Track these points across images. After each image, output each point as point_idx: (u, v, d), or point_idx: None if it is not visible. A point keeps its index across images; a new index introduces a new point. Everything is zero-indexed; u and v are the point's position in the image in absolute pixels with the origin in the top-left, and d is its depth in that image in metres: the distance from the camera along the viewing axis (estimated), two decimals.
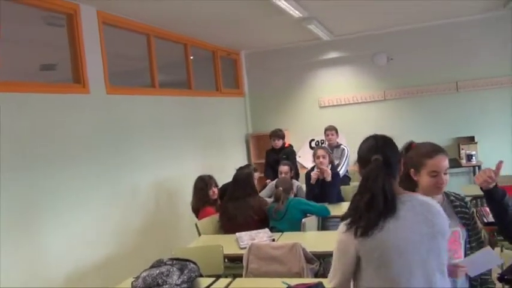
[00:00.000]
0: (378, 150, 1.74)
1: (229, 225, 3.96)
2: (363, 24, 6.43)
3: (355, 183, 4.80)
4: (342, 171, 5.40)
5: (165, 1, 4.27)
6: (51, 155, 3.61)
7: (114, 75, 4.47)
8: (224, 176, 4.80)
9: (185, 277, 2.59)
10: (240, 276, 3.14)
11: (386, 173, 1.69)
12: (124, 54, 5.45)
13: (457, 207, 2.13)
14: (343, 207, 4.36)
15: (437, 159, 2.04)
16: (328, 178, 4.59)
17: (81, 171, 3.89)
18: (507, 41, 6.33)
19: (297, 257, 3.02)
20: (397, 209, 1.66)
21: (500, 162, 2.10)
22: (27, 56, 4.21)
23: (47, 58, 4.56)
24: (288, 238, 3.49)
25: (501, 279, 2.78)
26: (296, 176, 5.40)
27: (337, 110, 7.23)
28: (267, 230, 3.73)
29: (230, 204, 4.03)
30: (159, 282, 2.52)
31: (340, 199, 4.68)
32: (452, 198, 2.17)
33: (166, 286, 2.50)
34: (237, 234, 3.65)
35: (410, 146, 2.19)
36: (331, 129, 5.87)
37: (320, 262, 3.20)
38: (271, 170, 5.87)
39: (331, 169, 4.70)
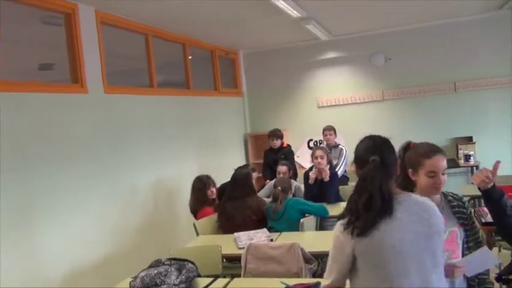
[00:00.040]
0: (375, 151, 1.74)
1: (227, 225, 3.96)
2: (361, 24, 6.43)
3: (353, 183, 4.77)
4: (340, 171, 5.40)
5: (163, 1, 4.26)
6: (49, 154, 3.60)
7: (112, 75, 4.47)
8: (222, 176, 4.80)
9: (183, 277, 2.59)
10: (238, 276, 3.14)
11: (384, 173, 1.70)
12: (122, 54, 5.44)
13: (454, 207, 2.14)
14: (342, 207, 4.32)
15: (435, 159, 2.04)
16: (326, 178, 4.60)
17: (80, 171, 3.89)
18: (505, 41, 6.35)
19: (295, 257, 3.02)
20: (394, 210, 1.67)
21: (498, 162, 2.10)
22: (25, 56, 4.20)
23: (45, 58, 4.54)
24: (286, 238, 3.49)
25: (499, 279, 2.78)
26: (294, 176, 5.41)
27: (335, 110, 7.23)
28: (265, 230, 3.73)
29: (228, 204, 4.03)
30: (157, 282, 2.51)
31: (338, 199, 4.68)
32: (450, 198, 2.17)
33: (165, 286, 2.50)
34: (235, 234, 3.64)
35: (408, 146, 2.19)
36: (329, 129, 5.87)
37: (318, 262, 3.20)
38: (269, 170, 5.87)
39: (329, 169, 4.70)
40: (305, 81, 7.42)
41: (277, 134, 6.05)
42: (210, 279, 2.78)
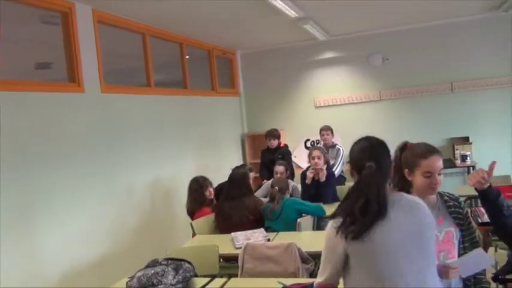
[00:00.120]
0: (371, 156, 1.75)
1: (224, 225, 3.95)
2: (358, 24, 6.44)
3: (350, 183, 4.80)
4: (337, 171, 5.41)
5: (160, 0, 4.25)
6: (46, 153, 3.59)
7: (110, 74, 4.46)
8: (220, 176, 4.79)
9: (180, 277, 2.59)
10: (235, 276, 3.13)
11: (379, 177, 1.73)
12: (119, 53, 5.43)
13: (450, 207, 2.14)
14: None
15: (432, 159, 2.05)
16: (323, 179, 4.60)
17: (77, 170, 3.88)
18: (502, 41, 6.37)
19: (292, 257, 3.02)
20: (388, 211, 1.69)
21: (493, 163, 2.11)
22: (23, 55, 4.19)
23: (43, 57, 4.54)
24: (283, 238, 3.49)
25: (495, 279, 2.79)
26: (291, 176, 5.41)
27: (332, 110, 7.24)
28: (262, 229, 3.72)
29: (226, 204, 4.03)
30: (154, 282, 2.51)
31: (335, 199, 4.68)
32: (446, 198, 2.17)
33: (161, 286, 2.49)
34: (232, 234, 3.64)
35: (405, 146, 2.20)
36: (326, 129, 5.88)
37: (315, 262, 3.19)
38: (266, 170, 5.88)
39: (326, 169, 4.71)
40: (302, 81, 7.43)
41: (274, 134, 6.05)
42: (207, 279, 2.78)
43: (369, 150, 1.79)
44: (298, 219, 3.87)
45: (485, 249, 3.45)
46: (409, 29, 6.73)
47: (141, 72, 5.17)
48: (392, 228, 1.67)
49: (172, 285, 2.52)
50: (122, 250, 4.31)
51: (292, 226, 3.84)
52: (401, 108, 6.96)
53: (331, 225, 1.77)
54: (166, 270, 2.58)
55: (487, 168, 2.09)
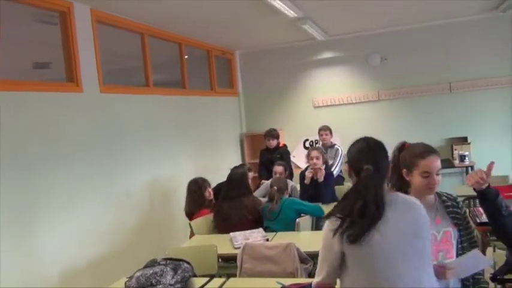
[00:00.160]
0: (368, 158, 1.76)
1: (223, 225, 3.95)
2: (357, 24, 6.45)
3: (349, 183, 4.80)
4: (336, 171, 5.41)
5: (159, 0, 4.25)
6: (45, 153, 3.59)
7: (108, 74, 4.45)
8: (218, 176, 4.79)
9: (179, 277, 2.59)
10: (234, 276, 3.13)
11: (377, 179, 1.74)
12: (118, 53, 5.43)
13: (448, 207, 2.14)
14: None
15: (430, 159, 2.05)
16: (321, 179, 4.60)
17: (75, 170, 3.87)
18: (500, 41, 6.39)
19: (291, 257, 3.02)
20: (385, 211, 1.71)
21: (492, 163, 2.11)
22: (20, 54, 4.18)
23: (41, 56, 4.53)
24: (282, 238, 3.49)
25: (494, 279, 2.79)
26: (290, 176, 5.41)
27: (331, 110, 7.24)
28: (261, 229, 3.73)
29: (224, 203, 4.03)
30: (153, 282, 2.51)
31: (334, 199, 4.67)
32: (444, 198, 2.18)
33: (160, 286, 2.49)
34: (231, 234, 3.64)
35: (403, 146, 2.20)
36: (325, 129, 5.88)
37: (314, 262, 3.19)
38: (265, 170, 5.87)
39: (325, 169, 4.71)
40: (301, 81, 7.43)
41: (273, 134, 6.05)
42: (206, 279, 2.77)
43: (366, 151, 1.80)
44: (297, 219, 3.87)
45: (484, 249, 3.47)
46: (407, 29, 6.74)
47: (139, 72, 5.16)
48: (389, 228, 1.69)
49: (171, 285, 2.52)
50: (120, 250, 4.30)
51: (291, 226, 3.84)
52: (399, 108, 6.97)
53: (327, 224, 1.78)
54: (165, 270, 2.58)
55: (485, 169, 2.10)
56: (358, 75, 7.17)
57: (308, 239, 3.62)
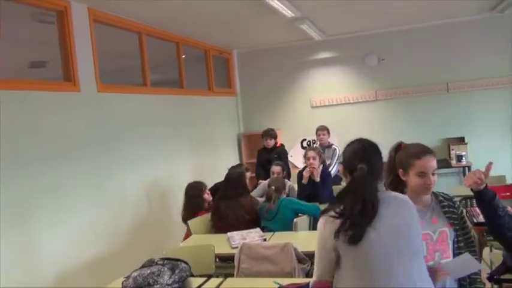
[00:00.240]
0: (362, 158, 1.81)
1: (220, 225, 3.95)
2: (354, 24, 6.45)
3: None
4: (333, 171, 5.42)
5: (157, 0, 4.24)
6: (43, 153, 3.58)
7: (106, 74, 4.44)
8: (216, 176, 4.79)
9: (176, 277, 2.58)
10: (232, 276, 3.13)
11: (371, 179, 1.78)
12: (115, 52, 5.41)
13: (445, 207, 2.15)
14: None
15: (425, 159, 2.06)
16: (317, 178, 4.60)
17: (73, 170, 3.87)
18: (498, 42, 6.41)
19: (289, 257, 3.02)
20: (379, 209, 1.75)
21: (490, 164, 2.12)
22: (17, 53, 4.16)
23: (37, 55, 4.51)
24: (279, 238, 3.49)
25: (490, 279, 2.81)
26: (288, 175, 5.41)
27: (328, 110, 7.25)
28: (258, 229, 3.73)
29: (222, 203, 4.02)
30: (150, 282, 2.50)
31: (332, 199, 4.69)
32: (441, 198, 2.18)
33: (157, 286, 2.49)
34: (228, 233, 3.64)
35: (399, 146, 2.21)
36: (322, 129, 5.89)
37: (311, 262, 3.19)
38: (262, 170, 5.87)
39: (322, 169, 4.71)
40: (299, 81, 7.43)
41: (270, 133, 6.05)
42: (203, 279, 2.77)
43: (361, 152, 1.84)
44: (295, 219, 3.87)
45: (481, 249, 3.47)
46: (404, 30, 6.75)
47: (137, 72, 5.15)
48: (383, 226, 1.72)
49: (168, 285, 2.52)
50: (117, 250, 4.29)
51: (288, 226, 3.84)
52: (397, 109, 6.98)
53: (322, 221, 1.81)
54: (162, 270, 2.58)
55: (483, 169, 2.10)
56: (355, 75, 7.17)
57: (305, 239, 3.62)
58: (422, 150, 2.09)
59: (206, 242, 3.48)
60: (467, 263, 2.03)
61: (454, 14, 6.28)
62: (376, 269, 1.70)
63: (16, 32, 3.86)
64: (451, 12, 6.16)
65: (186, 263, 2.75)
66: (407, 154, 2.12)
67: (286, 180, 4.80)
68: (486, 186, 2.08)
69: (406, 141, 2.24)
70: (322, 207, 4.09)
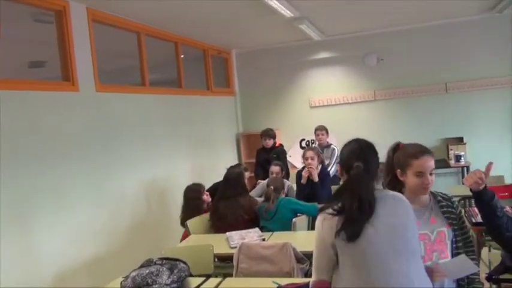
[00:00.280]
0: (359, 156, 1.84)
1: (219, 225, 3.95)
2: (354, 24, 6.45)
3: None
4: (332, 171, 5.42)
5: (156, 0, 4.24)
6: (42, 152, 3.58)
7: (104, 74, 4.43)
8: (215, 175, 4.78)
9: (175, 277, 2.58)
10: (230, 275, 3.13)
11: (367, 177, 1.81)
12: (114, 52, 5.41)
13: (443, 207, 2.15)
14: None
15: (423, 159, 2.06)
16: (315, 178, 4.61)
17: (72, 170, 3.87)
18: (496, 42, 6.42)
19: (287, 257, 3.02)
20: (376, 208, 1.77)
21: (490, 164, 2.12)
22: (16, 53, 4.16)
23: (36, 55, 4.50)
24: (278, 238, 3.49)
25: (489, 278, 2.81)
26: (287, 175, 5.41)
27: (327, 110, 7.25)
28: (257, 229, 3.73)
29: (221, 203, 4.02)
30: (149, 281, 2.50)
31: None
32: (439, 198, 2.18)
33: (156, 286, 2.49)
34: (227, 233, 3.64)
35: (397, 146, 2.22)
36: (321, 129, 5.90)
37: (310, 262, 3.19)
38: (261, 170, 5.87)
39: (321, 169, 4.71)
40: (297, 81, 7.43)
41: (269, 133, 6.05)
42: (202, 278, 2.77)
43: (357, 151, 1.87)
44: (293, 219, 3.87)
45: (479, 249, 3.48)
46: (404, 30, 6.76)
47: (136, 72, 5.15)
48: (380, 224, 1.74)
49: (167, 285, 2.51)
50: (116, 250, 4.29)
51: (287, 226, 3.84)
52: (396, 109, 6.98)
53: (320, 219, 1.83)
54: (161, 269, 2.57)
55: (482, 169, 2.11)
56: (354, 75, 7.18)
57: (304, 238, 3.62)
58: (420, 150, 2.10)
59: (205, 242, 3.48)
60: (464, 264, 2.03)
61: (452, 14, 6.28)
62: (374, 266, 1.71)
63: (15, 31, 3.86)
64: (450, 12, 6.16)
65: (184, 262, 2.75)
66: (405, 154, 2.12)
67: (285, 180, 4.80)
68: (485, 186, 2.09)
69: (405, 141, 2.25)
70: None
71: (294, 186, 4.84)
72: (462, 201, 4.36)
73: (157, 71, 5.72)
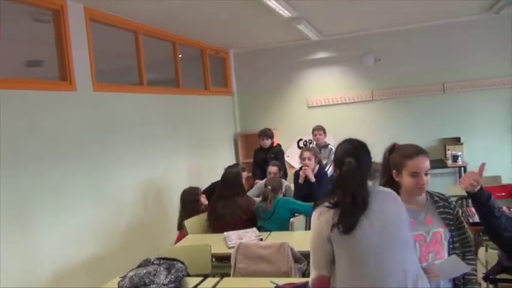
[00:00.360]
0: (351, 153, 1.88)
1: (217, 224, 3.95)
2: (351, 24, 6.46)
3: None
4: (329, 171, 5.41)
5: (154, 0, 4.23)
6: (41, 152, 3.58)
7: (102, 73, 4.42)
8: (212, 175, 4.78)
9: (172, 277, 2.58)
10: (228, 275, 3.13)
11: (359, 173, 1.85)
12: (112, 51, 5.40)
13: (440, 207, 2.15)
14: None
15: (418, 160, 2.08)
16: (312, 179, 4.61)
17: (72, 170, 3.87)
18: (494, 43, 6.43)
19: (285, 257, 3.02)
20: (369, 203, 1.82)
21: (483, 165, 2.14)
22: (13, 53, 4.14)
23: (33, 54, 4.49)
24: (276, 238, 3.49)
25: (486, 278, 2.82)
26: (285, 175, 5.41)
27: (325, 110, 7.26)
28: (254, 229, 3.73)
29: (218, 203, 4.02)
30: (146, 281, 2.50)
31: None
32: (436, 198, 2.19)
33: (154, 286, 2.48)
34: (225, 233, 3.64)
35: (393, 147, 2.23)
36: (319, 129, 5.90)
37: (308, 262, 3.19)
38: (259, 170, 5.87)
39: (318, 169, 4.71)
40: (295, 81, 7.44)
41: (267, 133, 6.05)
42: (200, 278, 2.77)
43: (350, 150, 1.92)
44: (291, 219, 3.87)
45: (476, 249, 3.49)
46: (401, 30, 6.77)
47: (133, 71, 5.14)
48: (374, 218, 1.78)
49: (164, 284, 2.51)
50: (113, 250, 4.28)
51: (285, 226, 3.85)
52: (393, 109, 6.99)
53: (316, 213, 1.87)
54: (158, 269, 2.57)
55: (476, 170, 2.12)
56: (352, 76, 7.18)
57: (302, 238, 3.62)
58: (414, 151, 2.11)
59: (202, 242, 3.48)
60: (456, 264, 2.04)
61: (450, 14, 6.30)
62: (370, 258, 1.75)
63: (12, 31, 3.84)
64: (447, 12, 6.17)
65: (182, 262, 2.75)
66: (400, 155, 2.14)
67: (283, 180, 4.80)
68: (481, 187, 2.10)
69: (402, 141, 2.26)
70: None
71: (292, 186, 4.84)
72: (459, 201, 4.37)
73: (155, 70, 5.72)
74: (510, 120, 6.50)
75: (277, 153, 5.94)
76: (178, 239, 3.97)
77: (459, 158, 6.33)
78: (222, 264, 3.49)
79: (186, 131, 5.93)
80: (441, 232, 2.08)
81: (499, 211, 2.12)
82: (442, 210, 2.14)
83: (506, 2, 5.56)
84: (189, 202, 4.21)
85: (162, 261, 2.70)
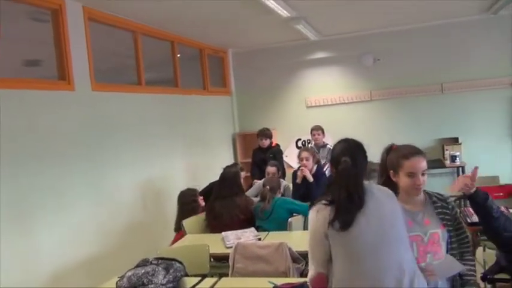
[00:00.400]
0: (346, 153, 1.92)
1: (215, 224, 3.95)
2: (350, 24, 6.46)
3: None
4: (327, 171, 5.42)
5: (152, 0, 4.25)
6: (40, 152, 3.58)
7: (100, 73, 4.42)
8: (211, 175, 4.78)
9: (171, 277, 2.58)
10: (226, 275, 3.13)
11: (355, 171, 1.88)
12: (110, 51, 5.39)
13: (438, 208, 2.15)
14: None
15: (414, 160, 2.08)
16: (310, 179, 4.62)
17: (70, 169, 3.87)
18: (492, 43, 6.44)
19: (283, 257, 3.03)
20: (366, 200, 1.85)
21: (476, 168, 2.14)
22: (11, 52, 4.13)
23: (32, 54, 4.48)
24: (274, 237, 3.50)
25: (484, 278, 2.82)
26: (283, 175, 5.41)
27: (324, 110, 7.26)
28: (253, 229, 3.73)
29: (217, 203, 4.02)
30: (144, 281, 2.50)
31: None
32: (434, 199, 2.19)
33: (152, 286, 2.48)
34: (223, 233, 3.64)
35: (391, 148, 2.23)
36: (317, 129, 5.90)
37: (306, 261, 3.20)
38: (257, 169, 5.87)
39: (317, 169, 4.72)
40: (294, 81, 7.44)
41: (266, 133, 6.05)
42: (198, 278, 2.77)
43: (345, 149, 1.96)
44: (289, 219, 3.88)
45: (474, 249, 3.49)
46: (400, 30, 6.77)
47: (132, 71, 5.13)
48: (371, 216, 1.81)
49: (162, 284, 2.51)
50: (112, 249, 4.28)
51: (283, 226, 3.85)
52: (391, 109, 7.00)
53: (313, 212, 1.89)
54: (156, 269, 2.57)
55: (472, 173, 2.13)
56: (350, 76, 7.19)
57: (300, 238, 3.62)
58: (411, 151, 2.12)
59: (201, 242, 3.48)
60: (451, 264, 2.05)
61: (449, 14, 6.30)
62: (366, 255, 1.77)
63: (11, 30, 3.83)
64: (446, 12, 6.18)
65: (180, 262, 2.75)
66: (396, 155, 2.15)
67: (281, 180, 4.81)
68: (477, 189, 2.10)
69: (400, 141, 2.26)
70: None
71: (291, 186, 4.84)
72: (457, 202, 4.37)
73: (153, 70, 5.71)
74: (508, 120, 6.52)
75: (275, 153, 5.94)
76: (175, 240, 3.96)
77: (457, 158, 6.34)
78: (220, 264, 3.49)
79: (184, 131, 5.92)
80: (439, 233, 2.08)
81: (497, 212, 2.12)
82: (440, 210, 2.15)
83: (505, 2, 5.57)
84: (187, 203, 4.20)
85: (160, 261, 2.70)
